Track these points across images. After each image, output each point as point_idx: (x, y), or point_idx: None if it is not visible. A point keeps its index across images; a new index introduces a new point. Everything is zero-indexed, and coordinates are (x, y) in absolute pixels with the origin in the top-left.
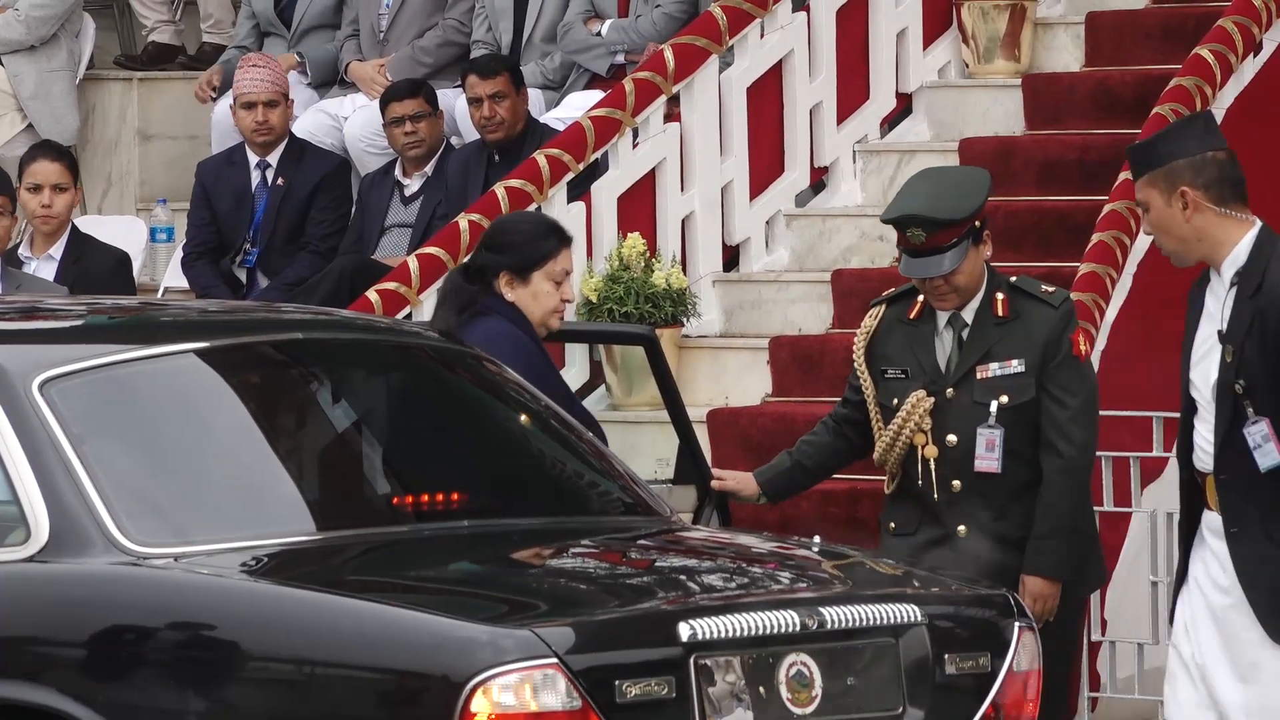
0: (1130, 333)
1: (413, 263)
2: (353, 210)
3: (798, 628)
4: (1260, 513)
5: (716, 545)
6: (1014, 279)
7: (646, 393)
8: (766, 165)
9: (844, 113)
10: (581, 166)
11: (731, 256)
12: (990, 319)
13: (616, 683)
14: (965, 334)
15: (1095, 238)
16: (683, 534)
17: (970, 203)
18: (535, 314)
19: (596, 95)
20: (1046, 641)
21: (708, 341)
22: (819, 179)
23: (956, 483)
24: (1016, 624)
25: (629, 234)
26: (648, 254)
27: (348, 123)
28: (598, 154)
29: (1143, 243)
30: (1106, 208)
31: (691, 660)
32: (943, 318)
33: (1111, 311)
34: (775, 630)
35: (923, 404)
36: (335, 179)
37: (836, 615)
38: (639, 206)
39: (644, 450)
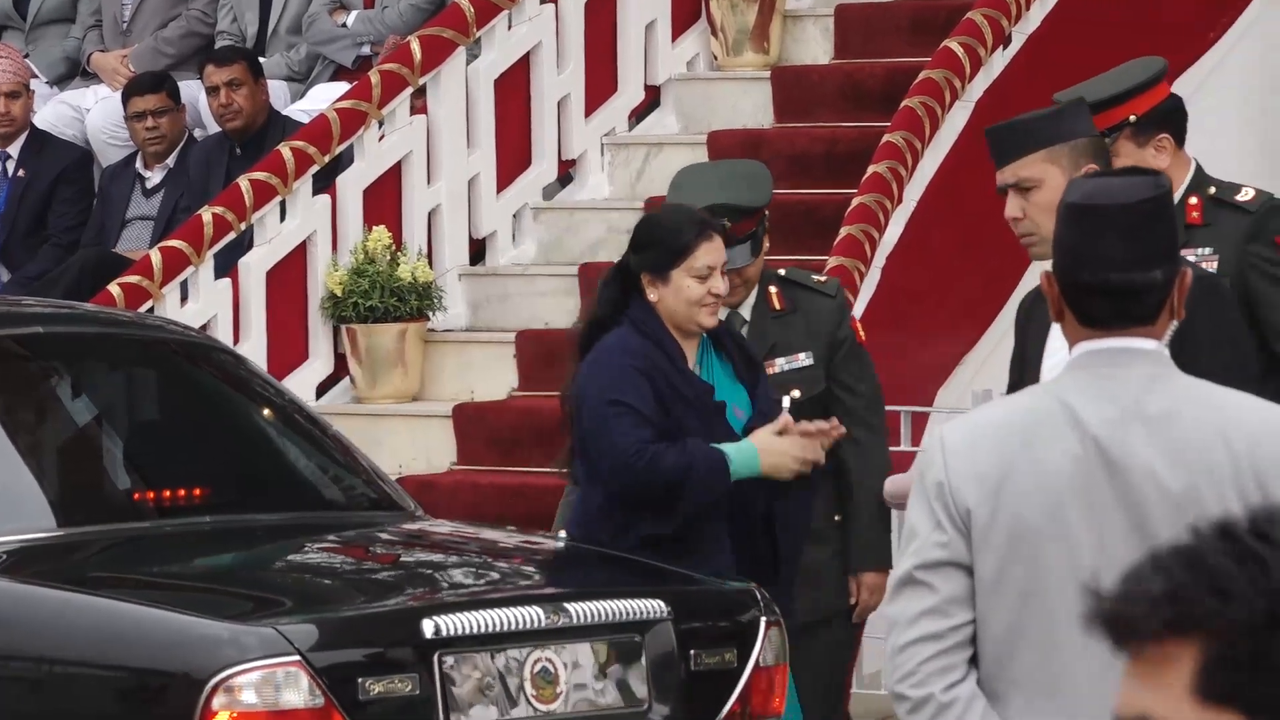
0: (878, 327)
1: (155, 256)
2: (94, 202)
3: (542, 624)
4: None
5: (462, 541)
6: (782, 271)
7: (391, 385)
8: (514, 158)
9: (592, 105)
10: (327, 159)
11: (478, 250)
12: (768, 314)
13: (360, 680)
14: (745, 331)
15: (843, 231)
16: (428, 529)
17: (765, 191)
18: (680, 312)
19: (343, 87)
20: (837, 636)
21: (454, 335)
22: (566, 172)
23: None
24: (763, 619)
25: (374, 227)
26: (393, 247)
27: (89, 114)
28: (343, 146)
29: (891, 236)
30: (855, 201)
31: (435, 657)
32: (720, 315)
33: (860, 306)
34: (520, 626)
35: None
36: (77, 171)
37: (581, 611)
38: (385, 199)
39: (388, 444)
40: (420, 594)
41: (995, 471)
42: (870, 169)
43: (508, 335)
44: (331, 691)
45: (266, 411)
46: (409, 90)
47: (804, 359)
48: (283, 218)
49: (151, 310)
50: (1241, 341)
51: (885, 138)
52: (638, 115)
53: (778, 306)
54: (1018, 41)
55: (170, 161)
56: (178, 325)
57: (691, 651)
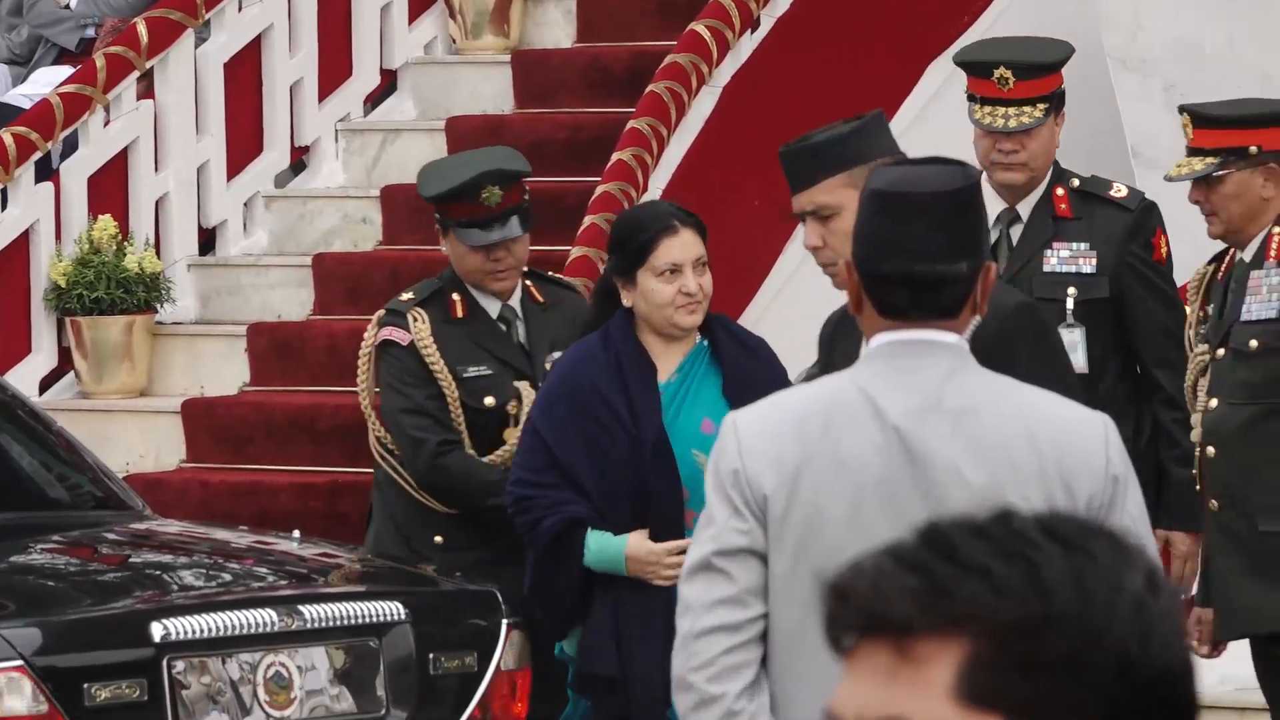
0: None
1: None
2: None
3: (275, 627)
4: None
5: (193, 541)
6: (526, 269)
7: (118, 380)
8: (245, 145)
9: (326, 90)
10: (50, 145)
11: (208, 240)
12: (535, 308)
13: (85, 685)
14: (522, 327)
15: (587, 220)
16: (157, 529)
17: (524, 161)
18: (655, 317)
19: (66, 71)
20: None
21: (183, 329)
22: (299, 159)
23: None
24: (504, 622)
25: (100, 216)
26: (120, 237)
27: None
28: (67, 132)
29: None
30: (599, 189)
31: (164, 662)
32: (494, 310)
33: None
34: (252, 630)
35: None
36: None
37: (316, 613)
38: (111, 187)
39: (116, 440)
40: (148, 596)
41: (793, 458)
42: (615, 156)
43: (239, 328)
44: (56, 697)
45: None
46: (135, 74)
47: None
48: (4, 206)
49: None
50: (1070, 379)
51: (630, 124)
52: (373, 100)
53: (541, 299)
54: (766, 25)
55: None
56: None
57: (431, 655)
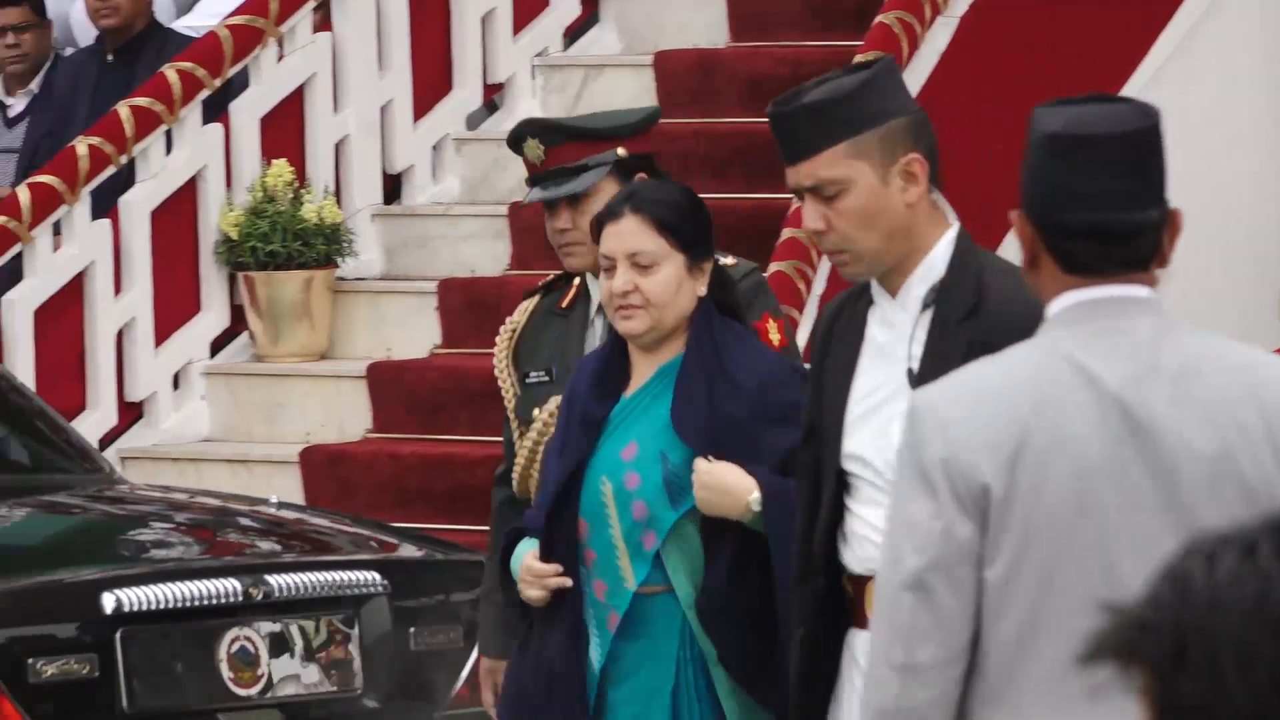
0: None
1: (23, 193)
2: None
3: (241, 598)
4: None
5: (160, 506)
6: None
7: (296, 342)
8: (432, 82)
9: (521, 21)
10: (218, 83)
11: (393, 187)
12: None
13: (31, 661)
14: (600, 322)
15: None
16: (121, 493)
17: (616, 119)
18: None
19: (236, 1)
20: None
21: (367, 285)
22: (492, 98)
23: None
24: None
25: (274, 161)
26: (296, 184)
27: None
28: (237, 68)
29: None
30: None
31: (118, 635)
32: (595, 302)
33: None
34: (215, 601)
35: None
36: None
37: (286, 584)
38: (285, 129)
39: (293, 408)
40: (103, 564)
41: (1009, 441)
42: None
43: (428, 285)
44: None
45: None
46: (311, 3)
47: None
48: (169, 150)
49: (20, 256)
50: None
51: (856, 59)
52: (573, 33)
53: None
54: None
55: (34, 85)
56: None
57: (412, 630)
